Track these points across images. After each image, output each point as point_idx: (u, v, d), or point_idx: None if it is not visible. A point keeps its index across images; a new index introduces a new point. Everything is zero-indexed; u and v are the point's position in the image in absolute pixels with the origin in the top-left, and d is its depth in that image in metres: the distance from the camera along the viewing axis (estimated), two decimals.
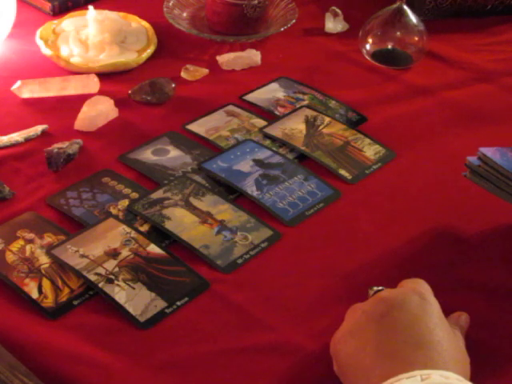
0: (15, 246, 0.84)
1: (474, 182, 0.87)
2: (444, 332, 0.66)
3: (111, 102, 1.05)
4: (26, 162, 0.96)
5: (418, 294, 0.69)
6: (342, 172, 0.97)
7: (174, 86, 1.09)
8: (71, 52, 1.14)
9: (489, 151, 0.86)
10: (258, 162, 0.97)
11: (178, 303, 0.79)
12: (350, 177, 0.97)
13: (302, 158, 0.99)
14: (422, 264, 0.85)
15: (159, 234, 0.87)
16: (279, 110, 1.08)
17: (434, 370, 0.61)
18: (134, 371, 0.72)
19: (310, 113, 1.06)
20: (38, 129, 1.01)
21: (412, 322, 0.66)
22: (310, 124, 1.04)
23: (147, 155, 0.98)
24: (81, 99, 1.05)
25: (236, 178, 0.94)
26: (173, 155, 0.98)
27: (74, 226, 0.87)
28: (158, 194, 0.91)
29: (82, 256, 0.82)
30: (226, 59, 1.17)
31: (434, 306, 0.69)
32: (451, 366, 0.63)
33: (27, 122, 1.02)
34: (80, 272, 0.80)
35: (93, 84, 1.08)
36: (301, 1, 1.30)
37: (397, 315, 0.67)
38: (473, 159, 0.87)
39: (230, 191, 0.93)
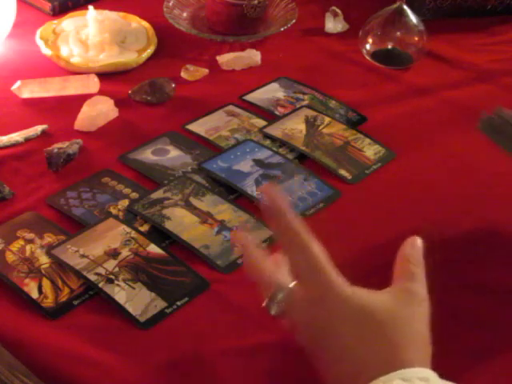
0: (15, 245, 0.84)
1: (485, 133, 0.87)
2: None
3: (111, 102, 1.05)
4: (25, 162, 0.96)
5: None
6: (342, 172, 0.97)
7: (173, 86, 1.09)
8: (71, 52, 1.14)
9: (506, 109, 0.87)
10: (258, 162, 0.97)
11: (178, 303, 0.79)
12: (349, 177, 0.97)
13: (302, 157, 0.99)
14: None
15: (159, 234, 0.87)
16: (279, 110, 1.08)
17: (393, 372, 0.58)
18: (134, 371, 0.72)
19: (310, 113, 1.06)
20: (38, 129, 1.01)
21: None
22: (310, 124, 1.04)
23: (147, 155, 0.98)
24: (81, 99, 1.05)
25: (236, 178, 0.94)
26: (173, 155, 0.98)
27: (74, 226, 0.87)
28: (157, 194, 0.91)
29: (82, 256, 0.82)
30: (225, 59, 1.17)
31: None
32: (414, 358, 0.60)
33: (27, 122, 1.02)
34: (80, 272, 0.80)
35: (93, 84, 1.08)
36: (301, 1, 1.30)
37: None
38: (487, 113, 0.88)
39: (230, 191, 0.93)
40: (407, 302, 0.63)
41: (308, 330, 0.64)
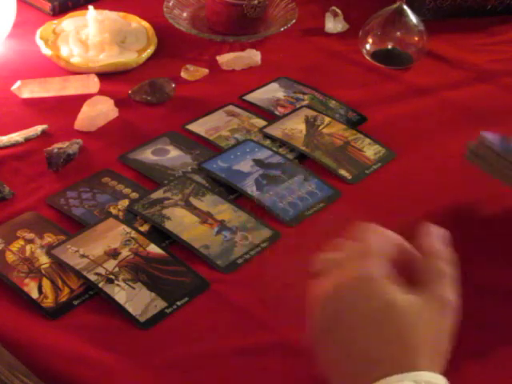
0: (15, 245, 0.84)
1: (472, 162, 0.89)
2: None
3: (111, 102, 1.05)
4: (25, 162, 0.96)
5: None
6: (342, 172, 0.97)
7: (174, 86, 1.09)
8: (71, 52, 1.14)
9: (489, 134, 0.88)
10: (258, 162, 0.97)
11: (178, 303, 0.79)
12: (349, 177, 0.97)
13: (302, 157, 0.99)
14: None
15: (159, 234, 0.87)
16: (279, 110, 1.08)
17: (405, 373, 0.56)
18: (134, 371, 0.72)
19: (310, 113, 1.06)
20: (38, 129, 1.01)
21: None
22: (310, 124, 1.04)
23: (147, 155, 0.98)
24: (81, 99, 1.05)
25: (236, 178, 0.94)
26: (173, 155, 0.98)
27: (74, 226, 0.87)
28: (157, 194, 0.91)
29: (82, 256, 0.82)
30: (225, 59, 1.17)
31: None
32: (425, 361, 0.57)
33: (27, 122, 1.02)
34: (80, 272, 0.80)
35: (93, 84, 1.08)
36: (301, 1, 1.30)
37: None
38: (473, 142, 0.89)
39: (230, 191, 0.93)
40: (438, 310, 0.61)
41: (323, 315, 0.60)
